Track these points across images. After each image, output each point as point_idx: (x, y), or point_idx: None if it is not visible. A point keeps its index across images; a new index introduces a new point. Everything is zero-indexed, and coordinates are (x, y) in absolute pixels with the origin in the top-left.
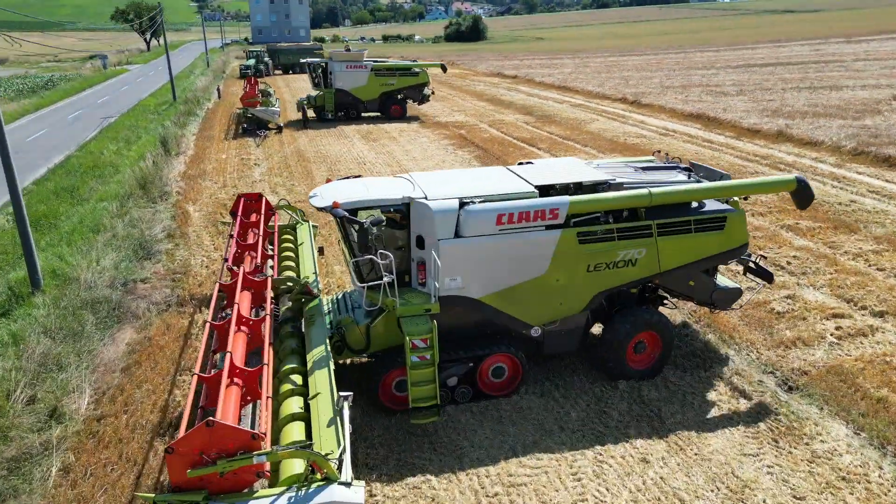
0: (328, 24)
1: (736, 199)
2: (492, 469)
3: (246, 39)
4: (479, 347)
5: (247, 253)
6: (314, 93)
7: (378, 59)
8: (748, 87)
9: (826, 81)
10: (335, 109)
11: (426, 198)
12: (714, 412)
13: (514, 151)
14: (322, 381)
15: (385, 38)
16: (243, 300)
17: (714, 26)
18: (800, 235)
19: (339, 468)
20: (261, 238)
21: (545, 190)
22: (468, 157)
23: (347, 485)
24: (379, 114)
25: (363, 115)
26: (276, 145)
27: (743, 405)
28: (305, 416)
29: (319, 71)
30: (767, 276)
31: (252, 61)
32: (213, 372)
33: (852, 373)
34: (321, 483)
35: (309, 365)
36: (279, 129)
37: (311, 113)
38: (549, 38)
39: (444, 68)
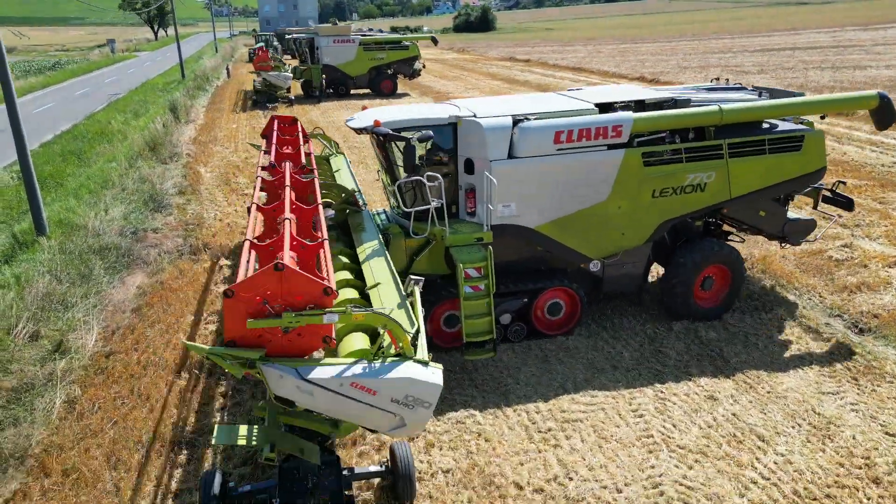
0: (335, 17)
1: (811, 119)
2: (542, 405)
3: (254, 30)
4: (535, 281)
5: (284, 162)
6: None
7: (366, 33)
8: (769, 68)
9: (848, 63)
10: (323, 86)
11: (475, 116)
12: (782, 352)
13: None
14: (380, 270)
15: (393, 30)
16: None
17: (725, 17)
18: (847, 193)
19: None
20: (302, 148)
21: (605, 108)
22: None
23: (425, 364)
24: (371, 90)
25: (352, 91)
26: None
27: (813, 346)
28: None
29: (305, 46)
30: (847, 204)
31: (261, 44)
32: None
33: None
34: (395, 358)
35: (362, 259)
36: (290, 102)
37: (274, 73)
38: (558, 28)
39: (434, 41)
